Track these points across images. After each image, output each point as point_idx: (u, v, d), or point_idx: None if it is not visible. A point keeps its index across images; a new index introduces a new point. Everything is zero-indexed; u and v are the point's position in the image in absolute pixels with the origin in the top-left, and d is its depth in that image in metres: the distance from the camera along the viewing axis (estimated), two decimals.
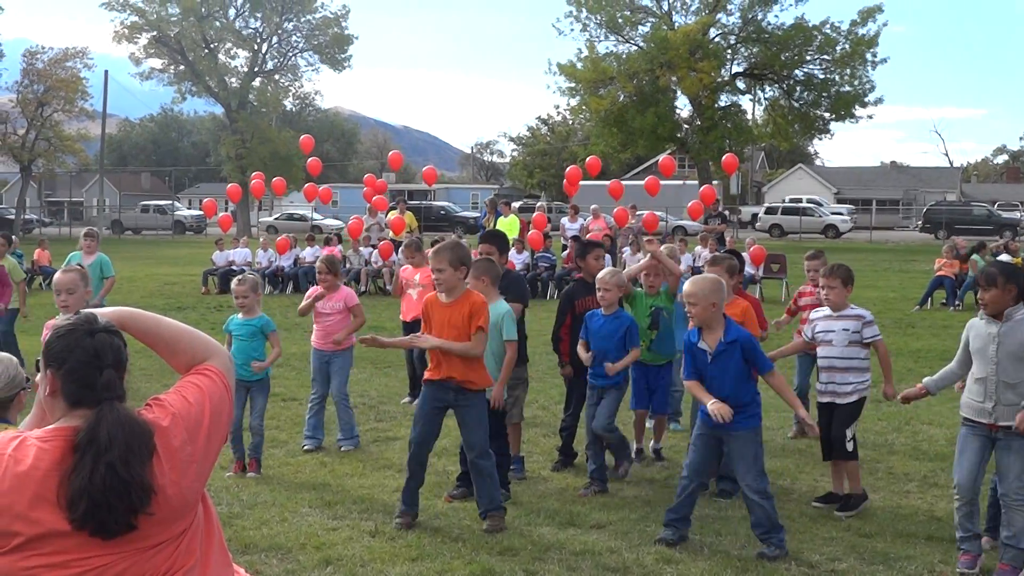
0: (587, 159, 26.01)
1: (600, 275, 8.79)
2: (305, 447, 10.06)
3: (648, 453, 9.71)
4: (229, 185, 25.46)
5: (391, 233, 27.14)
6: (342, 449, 10.02)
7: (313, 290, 10.33)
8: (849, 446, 8.04)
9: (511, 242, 23.49)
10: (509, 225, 24.46)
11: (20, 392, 4.24)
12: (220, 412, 3.20)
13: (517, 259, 24.16)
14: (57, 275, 8.80)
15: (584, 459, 9.03)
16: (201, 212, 65.23)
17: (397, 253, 24.64)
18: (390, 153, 30.10)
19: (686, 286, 7.26)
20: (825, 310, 8.29)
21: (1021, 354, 6.48)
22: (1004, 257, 19.38)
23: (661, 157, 15.24)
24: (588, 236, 25.00)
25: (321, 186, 30.71)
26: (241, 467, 9.22)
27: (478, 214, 44.80)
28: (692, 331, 7.27)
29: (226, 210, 31.32)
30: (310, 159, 28.42)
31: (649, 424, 9.96)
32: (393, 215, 27.30)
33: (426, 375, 7.78)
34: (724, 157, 19.00)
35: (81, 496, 2.92)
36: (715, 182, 51.36)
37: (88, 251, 13.65)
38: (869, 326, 8.11)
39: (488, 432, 7.76)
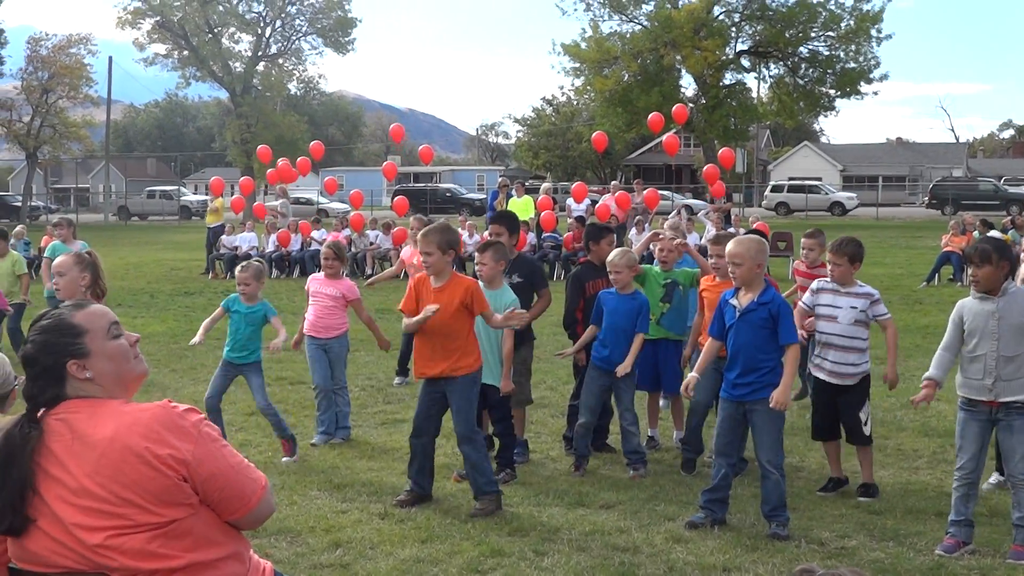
0: (592, 136, 26.04)
1: (610, 258, 8.52)
2: (315, 442, 9.59)
3: (674, 443, 9.41)
4: (242, 179, 24.88)
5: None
6: (334, 440, 9.70)
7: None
8: (866, 430, 7.86)
9: (528, 222, 23.56)
10: (523, 206, 24.35)
11: (12, 390, 4.32)
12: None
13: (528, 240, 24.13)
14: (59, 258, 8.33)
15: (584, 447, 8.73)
16: (208, 197, 65.02)
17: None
18: (391, 126, 29.73)
19: (731, 245, 7.11)
20: (830, 282, 7.97)
21: (1022, 326, 6.46)
22: (994, 233, 19.23)
23: (664, 136, 15.15)
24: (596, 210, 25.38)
25: (322, 169, 30.51)
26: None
27: (484, 196, 44.69)
28: (729, 290, 7.24)
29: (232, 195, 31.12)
30: (312, 143, 28.17)
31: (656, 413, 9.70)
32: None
33: (419, 370, 7.73)
34: (720, 151, 18.81)
35: None
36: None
37: (65, 240, 13.56)
38: (877, 304, 7.81)
39: (474, 418, 7.72)
